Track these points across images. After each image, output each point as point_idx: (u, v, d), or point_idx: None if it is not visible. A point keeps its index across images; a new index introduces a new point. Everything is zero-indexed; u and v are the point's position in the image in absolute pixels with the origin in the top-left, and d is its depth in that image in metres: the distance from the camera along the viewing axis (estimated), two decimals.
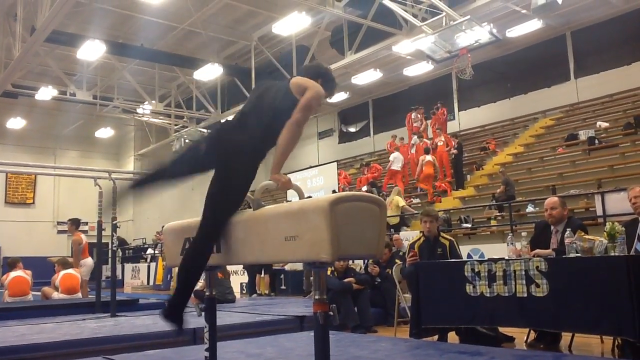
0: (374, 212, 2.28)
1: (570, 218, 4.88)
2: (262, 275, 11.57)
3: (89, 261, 9.03)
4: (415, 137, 15.50)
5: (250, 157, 2.69)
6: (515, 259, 4.17)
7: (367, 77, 17.25)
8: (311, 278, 2.74)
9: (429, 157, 14.03)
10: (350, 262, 7.21)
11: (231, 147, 2.67)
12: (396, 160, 15.09)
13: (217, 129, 2.94)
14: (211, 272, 3.04)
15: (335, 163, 18.12)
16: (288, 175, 2.61)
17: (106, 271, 13.74)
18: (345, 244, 2.13)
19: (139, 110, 19.91)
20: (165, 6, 13.39)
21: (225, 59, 17.08)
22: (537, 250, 4.52)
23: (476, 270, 4.29)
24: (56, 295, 8.31)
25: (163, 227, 3.36)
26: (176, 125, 20.83)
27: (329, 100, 20.72)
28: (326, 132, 23.03)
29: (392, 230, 11.16)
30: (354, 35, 14.04)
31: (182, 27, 15.25)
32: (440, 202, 13.36)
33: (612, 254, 3.78)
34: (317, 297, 2.19)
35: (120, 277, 17.75)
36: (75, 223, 9.24)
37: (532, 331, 4.71)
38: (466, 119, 18.12)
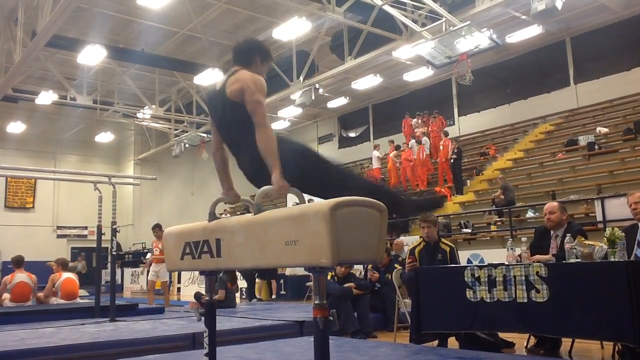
0: (375, 217, 2.28)
1: (569, 223, 4.87)
2: (264, 280, 11.57)
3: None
4: (413, 141, 15.56)
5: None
6: (515, 264, 4.16)
7: (367, 82, 17.29)
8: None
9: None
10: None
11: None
12: (375, 160, 16.90)
13: None
14: (211, 277, 3.05)
15: None
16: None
17: (105, 276, 13.85)
18: (345, 249, 2.13)
19: (139, 115, 19.92)
20: (165, 11, 13.42)
21: (225, 64, 17.05)
22: (537, 256, 4.51)
23: (476, 275, 4.29)
24: (55, 300, 8.31)
25: (163, 231, 3.36)
26: (176, 129, 20.86)
27: (330, 106, 20.84)
28: (326, 137, 23.07)
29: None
30: (354, 40, 14.07)
31: (183, 32, 15.30)
32: None
33: (612, 260, 3.78)
34: (317, 302, 2.19)
35: (119, 282, 17.74)
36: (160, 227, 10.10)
37: (532, 337, 4.70)
38: (466, 124, 18.14)
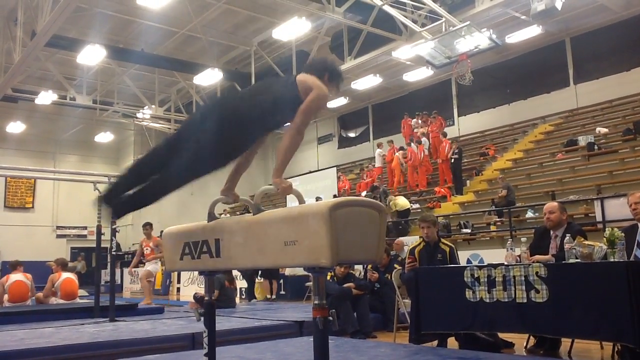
0: (374, 217, 2.28)
1: (569, 223, 4.87)
2: (263, 279, 11.55)
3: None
4: (413, 142, 15.55)
5: (247, 124, 2.60)
6: (514, 265, 4.16)
7: (367, 83, 17.29)
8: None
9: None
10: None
11: (231, 110, 2.64)
12: (378, 159, 16.91)
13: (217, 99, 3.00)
14: (210, 277, 3.04)
15: (335, 168, 18.12)
16: (289, 180, 2.60)
17: (105, 276, 13.83)
18: (344, 249, 2.13)
19: (139, 115, 19.95)
20: (165, 11, 13.43)
21: (225, 64, 17.11)
22: (537, 257, 4.51)
23: (476, 275, 4.29)
24: (54, 300, 8.31)
25: (162, 232, 3.35)
26: (176, 130, 20.85)
27: (329, 106, 20.83)
28: (326, 137, 23.06)
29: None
30: (354, 40, 14.09)
31: (183, 32, 15.31)
32: (440, 207, 13.36)
33: (612, 260, 3.78)
34: (316, 302, 2.19)
35: (119, 282, 17.70)
36: (150, 225, 10.39)
37: (531, 337, 4.70)
38: (466, 125, 18.13)
